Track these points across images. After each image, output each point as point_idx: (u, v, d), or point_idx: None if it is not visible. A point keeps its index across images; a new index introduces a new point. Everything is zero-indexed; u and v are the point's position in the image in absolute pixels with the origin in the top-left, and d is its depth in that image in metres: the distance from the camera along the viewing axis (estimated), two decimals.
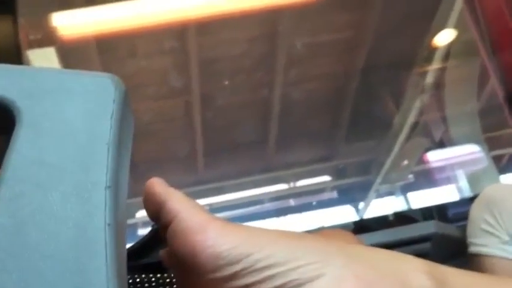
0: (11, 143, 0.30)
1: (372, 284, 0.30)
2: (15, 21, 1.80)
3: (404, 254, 0.34)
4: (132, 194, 0.37)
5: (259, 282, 0.31)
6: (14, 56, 1.75)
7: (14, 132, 0.31)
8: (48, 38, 2.78)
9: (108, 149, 0.31)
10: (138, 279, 0.49)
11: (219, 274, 0.31)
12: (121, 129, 0.32)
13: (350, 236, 1.07)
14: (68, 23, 2.82)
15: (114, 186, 0.30)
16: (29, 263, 0.27)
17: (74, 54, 3.08)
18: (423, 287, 0.31)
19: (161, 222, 0.35)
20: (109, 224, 0.29)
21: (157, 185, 0.36)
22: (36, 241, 0.27)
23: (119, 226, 0.30)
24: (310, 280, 0.30)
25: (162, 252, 0.38)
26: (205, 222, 0.33)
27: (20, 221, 0.28)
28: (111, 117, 0.32)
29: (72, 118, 0.31)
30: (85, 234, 0.28)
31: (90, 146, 0.31)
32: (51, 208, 0.28)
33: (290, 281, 0.30)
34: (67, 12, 2.81)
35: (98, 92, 0.32)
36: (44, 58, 2.76)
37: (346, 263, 0.31)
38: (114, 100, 0.32)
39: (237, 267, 0.31)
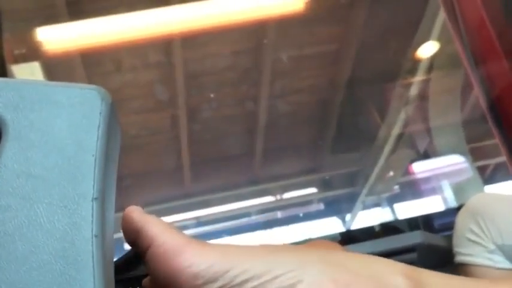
0: None
1: (348, 286, 0.31)
2: None
3: (384, 258, 0.35)
4: (118, 208, 0.37)
5: None
6: None
7: (0, 145, 0.31)
8: (33, 53, 2.76)
9: (95, 160, 0.31)
10: None
11: None
12: (108, 141, 0.32)
13: (337, 247, 1.07)
14: (53, 38, 2.81)
15: (101, 198, 0.30)
16: (16, 276, 0.27)
17: (59, 69, 3.07)
18: (399, 287, 0.32)
19: (139, 248, 0.36)
20: (96, 236, 0.28)
21: (134, 212, 0.37)
22: (23, 253, 0.27)
23: (106, 238, 0.30)
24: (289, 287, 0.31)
25: (145, 282, 0.38)
26: (182, 244, 0.34)
27: (7, 233, 0.28)
28: (98, 129, 0.32)
29: (59, 130, 0.31)
30: (72, 246, 0.28)
31: (76, 158, 0.31)
32: (38, 220, 0.28)
33: None
34: (52, 26, 2.80)
35: (85, 104, 0.32)
36: (28, 73, 2.75)
37: (323, 269, 0.32)
38: (100, 112, 0.32)
39: (215, 285, 0.32)
